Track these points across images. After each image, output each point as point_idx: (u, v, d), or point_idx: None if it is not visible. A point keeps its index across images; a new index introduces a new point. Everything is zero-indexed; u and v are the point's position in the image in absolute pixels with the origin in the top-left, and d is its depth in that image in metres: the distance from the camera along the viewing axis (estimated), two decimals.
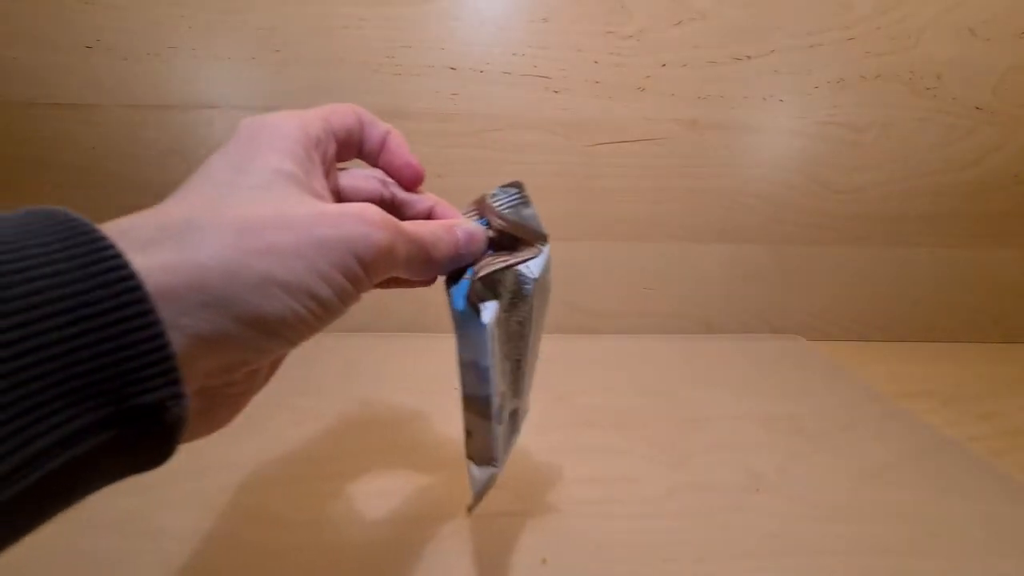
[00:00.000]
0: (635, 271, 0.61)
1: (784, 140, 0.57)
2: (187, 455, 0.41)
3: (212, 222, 0.15)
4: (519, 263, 0.24)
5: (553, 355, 0.56)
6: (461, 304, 0.22)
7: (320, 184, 0.20)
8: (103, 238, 0.13)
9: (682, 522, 0.32)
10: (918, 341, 0.64)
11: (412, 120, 0.54)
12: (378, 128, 0.23)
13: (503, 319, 0.23)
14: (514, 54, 0.53)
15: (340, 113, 0.22)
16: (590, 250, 0.60)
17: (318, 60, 0.51)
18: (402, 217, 0.22)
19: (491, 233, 0.24)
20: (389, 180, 0.24)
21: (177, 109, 0.52)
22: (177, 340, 0.13)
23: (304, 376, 0.49)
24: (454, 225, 0.22)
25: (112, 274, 0.13)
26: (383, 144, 0.24)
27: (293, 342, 0.17)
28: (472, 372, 0.22)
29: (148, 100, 0.51)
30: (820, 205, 0.59)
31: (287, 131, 0.19)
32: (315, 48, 0.51)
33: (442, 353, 0.53)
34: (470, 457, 0.25)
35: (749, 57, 0.54)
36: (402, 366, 0.52)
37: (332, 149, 0.21)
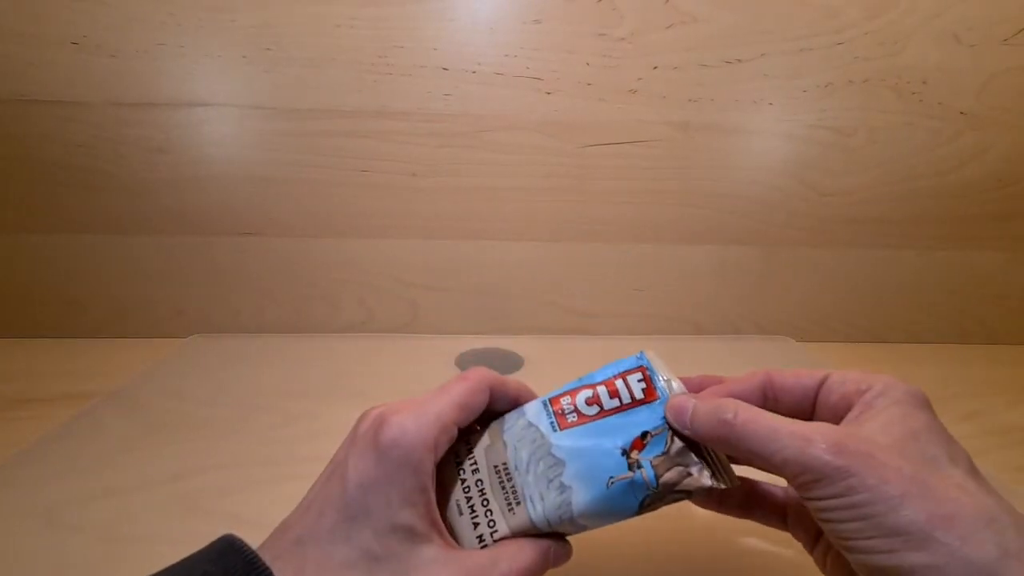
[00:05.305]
0: (625, 272, 0.61)
1: (773, 143, 0.58)
2: (172, 459, 0.40)
3: None
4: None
5: (543, 356, 0.56)
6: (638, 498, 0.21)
7: (431, 512, 0.20)
8: None
9: (682, 522, 0.32)
10: (903, 342, 0.65)
11: (404, 120, 0.54)
12: (508, 390, 0.23)
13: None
14: (506, 55, 0.53)
15: (475, 407, 0.22)
16: (581, 251, 0.60)
17: (309, 59, 0.51)
18: None
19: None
20: None
21: (166, 107, 0.51)
22: None
23: (293, 378, 0.49)
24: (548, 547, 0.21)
25: None
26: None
27: None
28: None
29: (136, 98, 0.51)
30: (808, 207, 0.60)
31: (417, 461, 0.19)
32: (306, 47, 0.51)
33: (431, 355, 0.53)
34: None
35: (739, 60, 0.54)
36: (391, 367, 0.52)
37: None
